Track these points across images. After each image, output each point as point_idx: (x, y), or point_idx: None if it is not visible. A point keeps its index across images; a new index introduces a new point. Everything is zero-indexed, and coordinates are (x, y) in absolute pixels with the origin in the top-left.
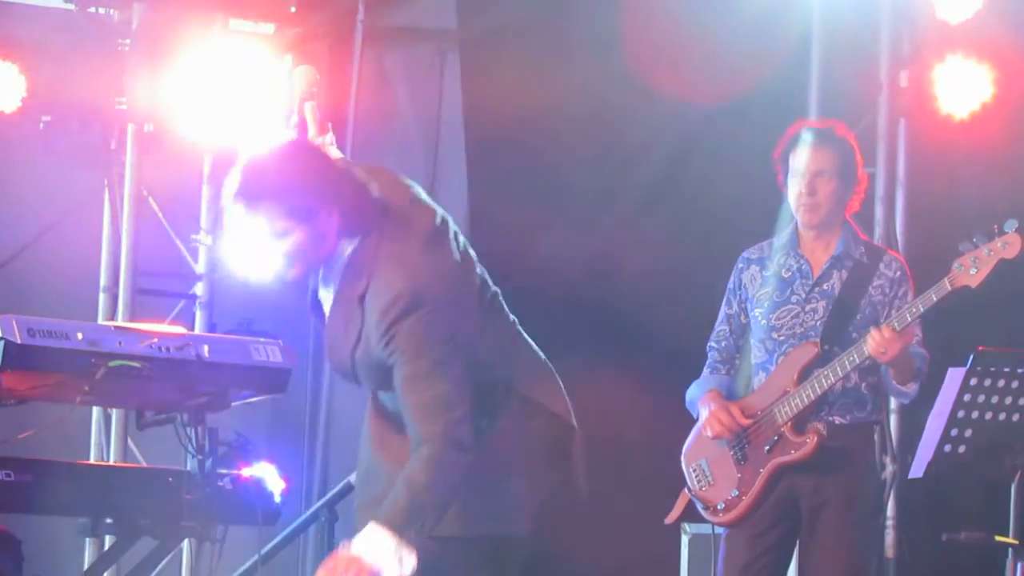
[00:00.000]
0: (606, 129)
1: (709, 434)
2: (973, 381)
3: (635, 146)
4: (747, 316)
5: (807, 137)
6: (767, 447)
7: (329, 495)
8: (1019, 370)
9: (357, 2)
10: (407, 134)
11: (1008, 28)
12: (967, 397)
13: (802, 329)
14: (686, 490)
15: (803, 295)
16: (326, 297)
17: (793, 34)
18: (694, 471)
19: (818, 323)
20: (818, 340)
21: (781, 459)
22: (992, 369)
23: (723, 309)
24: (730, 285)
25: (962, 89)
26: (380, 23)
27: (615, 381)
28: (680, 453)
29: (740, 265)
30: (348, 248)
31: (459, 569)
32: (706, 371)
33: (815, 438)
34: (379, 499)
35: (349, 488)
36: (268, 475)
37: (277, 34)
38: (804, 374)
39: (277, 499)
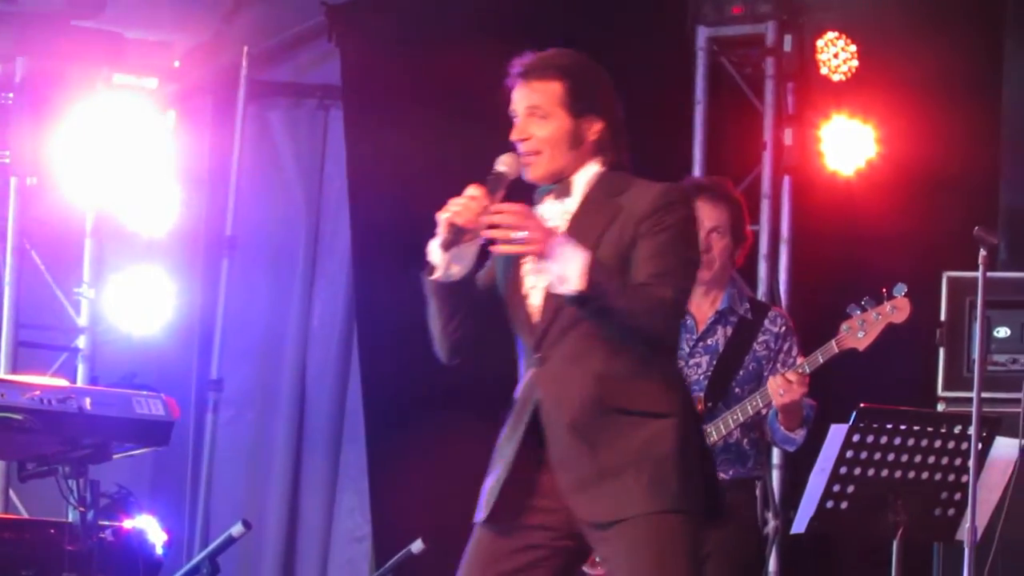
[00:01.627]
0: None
1: None
2: (856, 437)
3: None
4: None
5: (702, 193)
6: None
7: (210, 547)
8: (901, 427)
9: (240, 57)
10: (290, 188)
11: (888, 87)
12: (849, 453)
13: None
14: None
15: (687, 349)
16: (554, 211)
17: (678, 92)
18: None
19: (702, 378)
20: (702, 395)
21: None
22: (875, 426)
23: None
24: None
25: (847, 147)
26: (263, 78)
27: (485, 427)
28: None
29: None
30: (595, 169)
31: (691, 543)
32: None
33: None
34: (586, 483)
35: (230, 540)
36: (150, 527)
37: (160, 89)
38: None
39: (159, 551)
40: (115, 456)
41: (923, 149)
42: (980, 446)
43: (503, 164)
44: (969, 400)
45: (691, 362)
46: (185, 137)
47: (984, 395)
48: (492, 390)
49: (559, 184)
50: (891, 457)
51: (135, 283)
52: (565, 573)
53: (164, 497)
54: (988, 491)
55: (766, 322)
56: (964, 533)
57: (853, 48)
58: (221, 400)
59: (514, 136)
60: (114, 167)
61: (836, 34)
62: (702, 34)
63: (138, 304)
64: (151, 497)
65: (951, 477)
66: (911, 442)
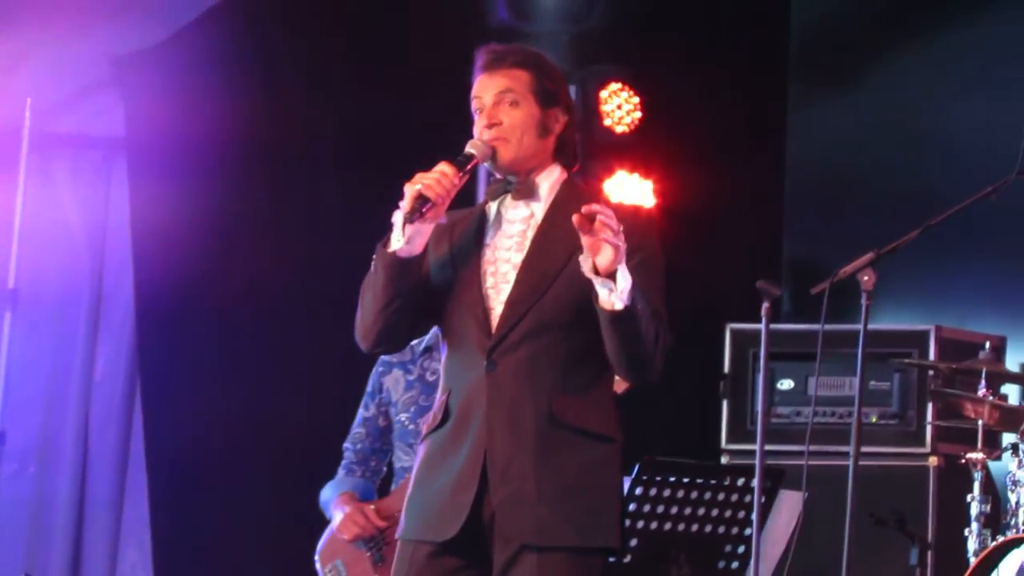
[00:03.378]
0: (268, 233)
1: (345, 537)
2: (639, 490)
3: (302, 248)
4: (386, 420)
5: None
6: None
7: None
8: (684, 479)
9: (24, 109)
10: (74, 240)
11: (671, 139)
12: (632, 506)
13: None
14: None
15: None
16: (516, 215)
17: (456, 140)
18: (330, 572)
19: None
20: None
21: None
22: (657, 478)
23: (360, 412)
24: (369, 388)
25: (628, 199)
26: (47, 130)
27: (267, 479)
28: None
29: (380, 368)
30: (558, 173)
31: None
32: (341, 472)
33: None
34: (525, 500)
35: None
36: None
37: None
38: None
39: None
40: None
41: (706, 201)
42: (764, 499)
43: (472, 147)
44: (753, 452)
45: None
46: None
47: (768, 447)
48: (272, 443)
49: (519, 183)
50: (674, 510)
51: None
52: None
53: None
54: (772, 544)
55: None
56: None
57: (636, 100)
58: (3, 454)
59: (483, 123)
60: None
61: (620, 86)
62: None
63: None
64: None
65: (735, 530)
66: (694, 495)
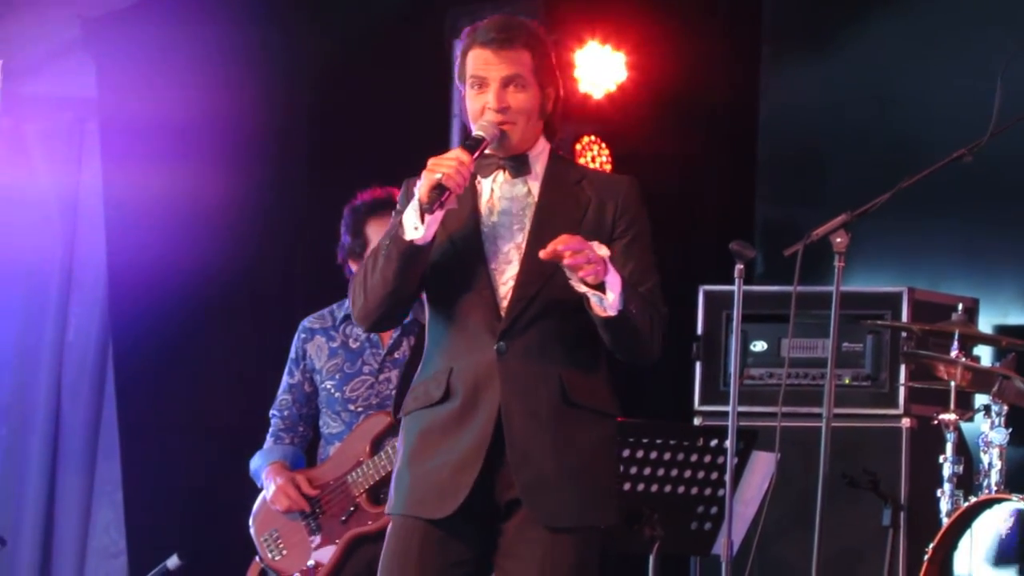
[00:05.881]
0: (240, 195)
1: (278, 508)
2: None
3: (273, 210)
4: (312, 385)
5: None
6: (343, 517)
7: None
8: (657, 440)
9: None
10: (45, 201)
11: (644, 100)
12: None
13: (378, 400)
14: (258, 559)
15: (375, 365)
16: (511, 191)
17: (436, 108)
18: (265, 541)
19: (393, 392)
20: (391, 410)
21: (358, 530)
22: (631, 440)
23: (285, 379)
24: (292, 355)
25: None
26: (18, 91)
27: (238, 443)
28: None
29: (302, 335)
30: (545, 147)
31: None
32: (269, 440)
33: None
34: (547, 482)
35: None
36: None
37: None
38: (377, 444)
39: None
40: None
41: (680, 163)
42: (736, 460)
43: (481, 130)
44: (726, 414)
45: (381, 378)
46: None
47: (741, 409)
48: (245, 401)
49: (514, 161)
50: (648, 471)
51: None
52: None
53: None
54: (745, 505)
55: None
56: (721, 547)
57: (623, 59)
58: None
59: (490, 104)
60: None
61: (599, 47)
62: (458, 49)
63: None
64: None
65: (708, 491)
66: (668, 456)
